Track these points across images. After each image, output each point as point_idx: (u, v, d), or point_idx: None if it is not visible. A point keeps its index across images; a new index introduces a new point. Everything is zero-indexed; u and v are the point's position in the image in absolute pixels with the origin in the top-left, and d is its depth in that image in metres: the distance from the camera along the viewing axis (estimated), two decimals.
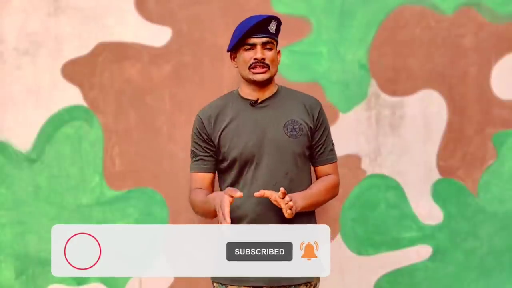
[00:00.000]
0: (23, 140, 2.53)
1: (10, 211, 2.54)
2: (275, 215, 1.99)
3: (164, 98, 2.57)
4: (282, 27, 2.56)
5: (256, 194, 1.87)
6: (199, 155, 2.10)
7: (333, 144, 2.17)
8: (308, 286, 2.07)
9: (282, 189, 1.84)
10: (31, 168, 2.54)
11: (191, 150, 2.13)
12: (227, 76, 2.57)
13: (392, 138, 2.64)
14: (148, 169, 2.58)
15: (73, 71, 2.54)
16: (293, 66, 2.58)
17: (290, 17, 2.56)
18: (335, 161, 2.16)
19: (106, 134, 2.56)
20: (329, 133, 2.15)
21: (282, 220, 1.98)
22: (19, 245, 2.55)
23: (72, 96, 2.54)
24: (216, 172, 2.15)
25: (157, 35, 2.55)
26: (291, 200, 1.86)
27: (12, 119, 2.53)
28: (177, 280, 2.59)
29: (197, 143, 2.10)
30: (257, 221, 1.98)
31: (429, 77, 2.63)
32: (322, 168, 2.14)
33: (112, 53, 2.54)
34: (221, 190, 2.12)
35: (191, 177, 2.13)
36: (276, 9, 2.55)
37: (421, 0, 2.60)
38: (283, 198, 1.84)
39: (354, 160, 2.61)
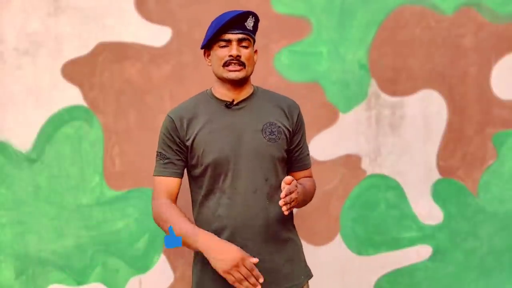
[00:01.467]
0: (23, 140, 2.53)
1: (10, 211, 2.54)
2: (255, 226, 1.88)
3: (164, 98, 2.57)
4: (282, 27, 2.57)
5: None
6: (169, 158, 1.91)
7: (308, 149, 2.05)
8: None
9: (288, 178, 1.71)
10: (31, 168, 2.54)
11: (158, 152, 1.94)
12: None
13: (392, 138, 2.64)
14: (148, 169, 2.56)
15: (73, 71, 2.54)
16: (293, 66, 2.58)
17: (290, 17, 2.56)
18: (310, 167, 2.05)
19: (106, 134, 2.56)
20: (305, 138, 2.03)
21: (263, 230, 1.89)
22: (19, 245, 2.55)
23: (72, 96, 2.54)
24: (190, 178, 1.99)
25: (157, 35, 2.55)
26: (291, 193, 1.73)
27: (12, 119, 2.53)
28: (177, 280, 2.59)
29: (168, 145, 1.92)
30: (237, 233, 1.85)
31: (429, 77, 2.63)
32: (301, 173, 2.02)
33: (112, 53, 2.54)
34: (192, 196, 1.97)
35: (156, 180, 1.93)
36: (276, 9, 2.55)
37: (421, 0, 2.60)
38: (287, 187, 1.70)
39: (354, 160, 2.62)
